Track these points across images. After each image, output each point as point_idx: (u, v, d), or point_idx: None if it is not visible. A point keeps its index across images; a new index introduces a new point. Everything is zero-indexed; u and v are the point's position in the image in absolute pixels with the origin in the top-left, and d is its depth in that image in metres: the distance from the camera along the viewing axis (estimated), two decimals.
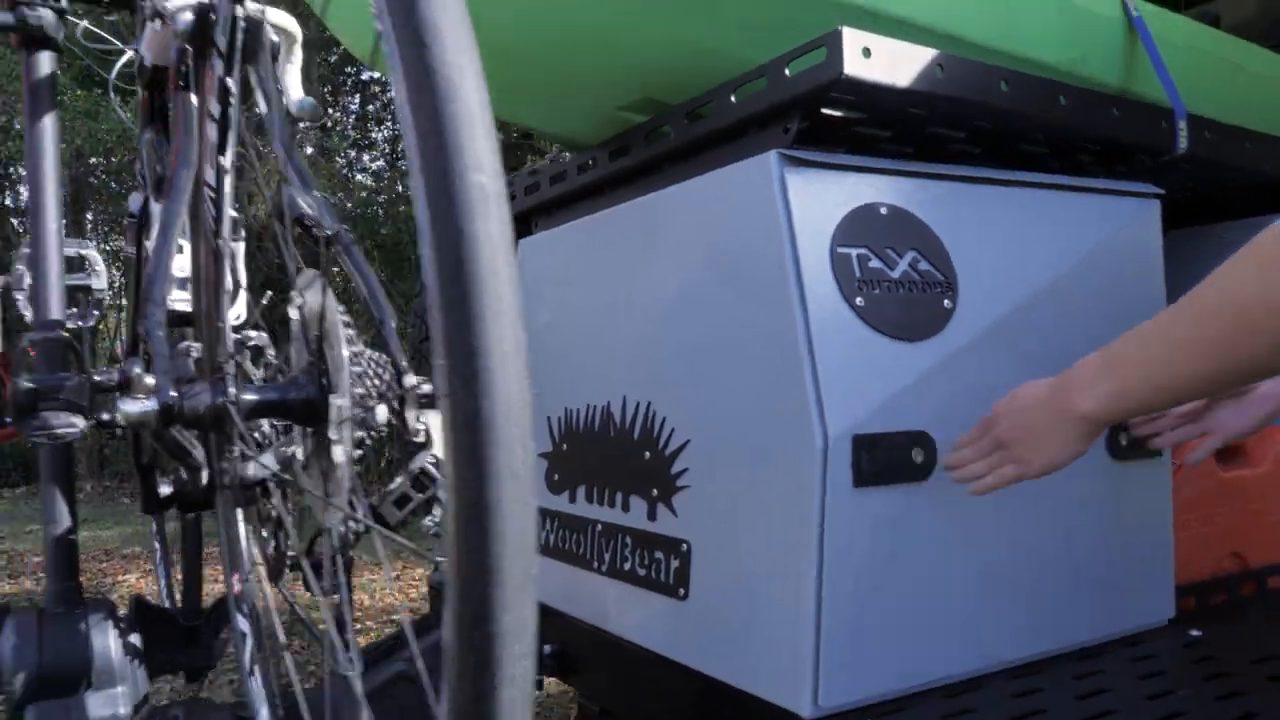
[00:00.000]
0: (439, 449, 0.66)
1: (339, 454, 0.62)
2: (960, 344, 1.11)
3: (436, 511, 0.68)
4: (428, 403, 0.66)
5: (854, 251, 1.07)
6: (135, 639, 1.06)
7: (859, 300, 1.05)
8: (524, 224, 1.69)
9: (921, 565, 1.07)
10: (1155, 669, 1.15)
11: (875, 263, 1.08)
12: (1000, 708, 1.02)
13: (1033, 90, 1.20)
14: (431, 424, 0.67)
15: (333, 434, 0.62)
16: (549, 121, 1.53)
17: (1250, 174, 1.50)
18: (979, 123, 1.21)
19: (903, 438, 1.05)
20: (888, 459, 1.03)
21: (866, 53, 1.04)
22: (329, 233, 0.68)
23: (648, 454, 1.24)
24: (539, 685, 1.64)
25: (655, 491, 1.23)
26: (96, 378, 0.80)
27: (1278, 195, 1.60)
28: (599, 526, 1.34)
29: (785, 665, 1.01)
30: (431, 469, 0.67)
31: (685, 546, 1.17)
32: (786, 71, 1.09)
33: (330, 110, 10.09)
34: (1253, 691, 1.08)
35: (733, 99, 1.17)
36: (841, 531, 1.00)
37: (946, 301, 1.12)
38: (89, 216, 10.00)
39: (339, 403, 0.62)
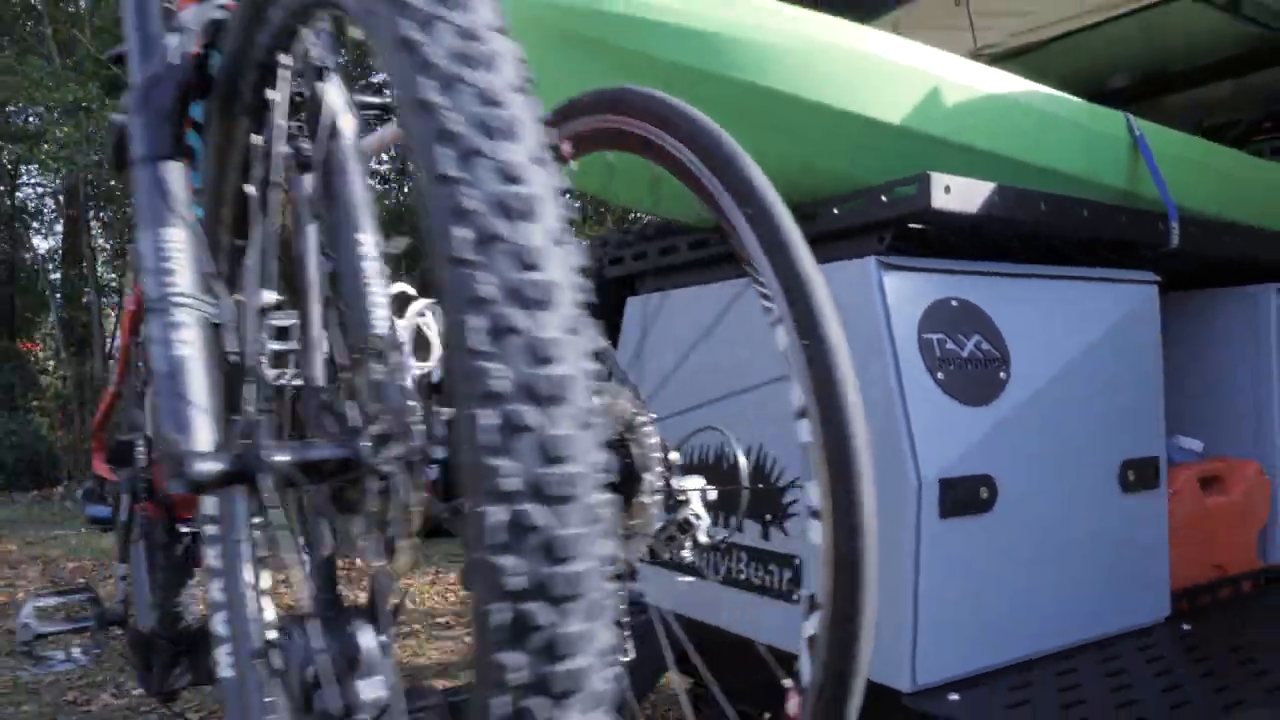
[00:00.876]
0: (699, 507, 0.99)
1: (651, 517, 0.94)
2: (1013, 406, 1.45)
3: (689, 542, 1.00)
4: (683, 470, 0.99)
5: (934, 337, 1.41)
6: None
7: (940, 375, 1.39)
8: (627, 284, 2.01)
9: (988, 576, 1.40)
10: (1158, 655, 1.50)
11: (950, 345, 1.42)
12: (1049, 684, 1.36)
13: (1063, 206, 1.54)
14: (689, 487, 0.99)
15: (646, 498, 0.94)
16: (672, 208, 1.84)
17: (1230, 257, 1.86)
18: (1024, 231, 1.55)
19: (973, 480, 1.38)
20: (964, 496, 1.37)
21: (947, 190, 1.38)
22: None
23: (760, 485, 1.57)
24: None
25: (768, 516, 1.56)
26: None
27: (1252, 271, 1.95)
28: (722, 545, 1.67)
29: (888, 653, 1.34)
30: (692, 519, 0.99)
31: (797, 560, 1.50)
32: (884, 198, 1.43)
33: None
34: (1231, 674, 1.43)
35: (835, 211, 1.51)
36: (931, 551, 1.33)
37: (1002, 374, 1.46)
38: None
39: (650, 479, 0.94)
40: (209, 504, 1.02)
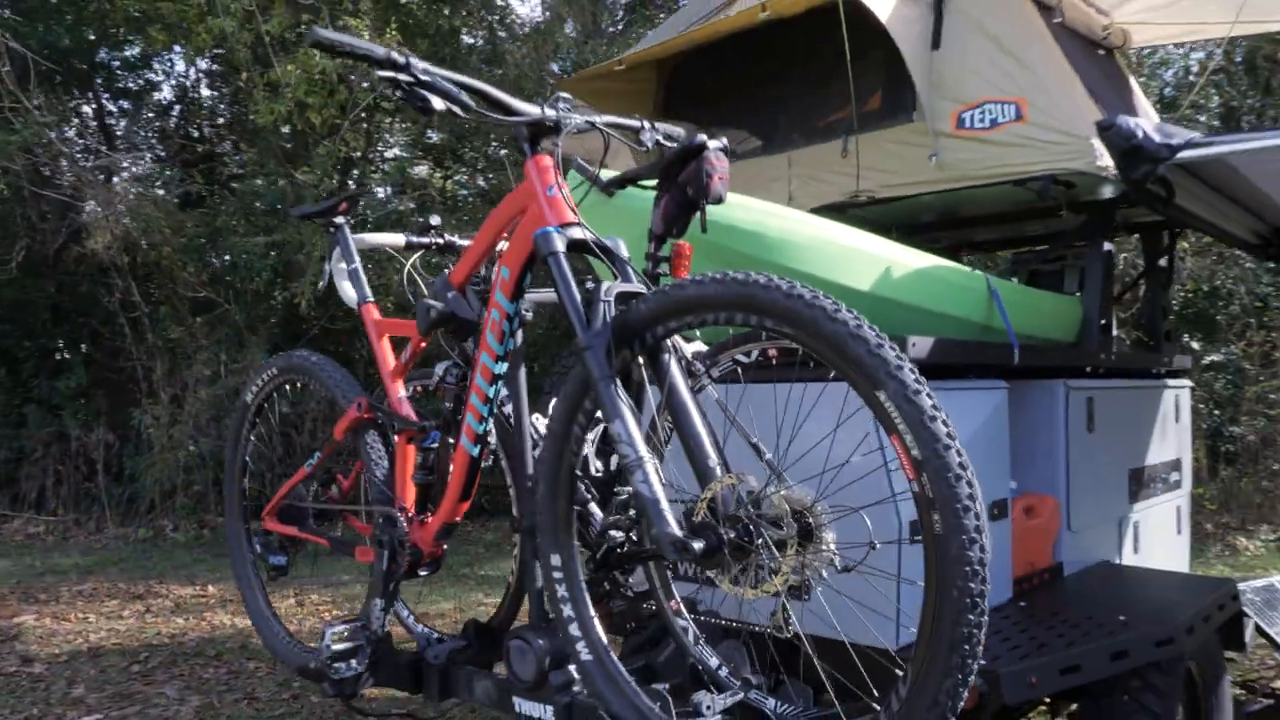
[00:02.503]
0: None
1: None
2: None
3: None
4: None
5: None
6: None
7: None
8: None
9: None
10: (1009, 615, 2.45)
11: None
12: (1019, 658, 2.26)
13: (949, 346, 2.47)
14: None
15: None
16: None
17: (1039, 364, 2.88)
18: (929, 364, 2.46)
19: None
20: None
21: (914, 344, 2.26)
22: None
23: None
24: None
25: None
26: None
27: (1060, 370, 2.99)
28: None
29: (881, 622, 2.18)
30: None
31: None
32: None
33: None
34: (1045, 630, 2.40)
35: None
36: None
37: None
38: None
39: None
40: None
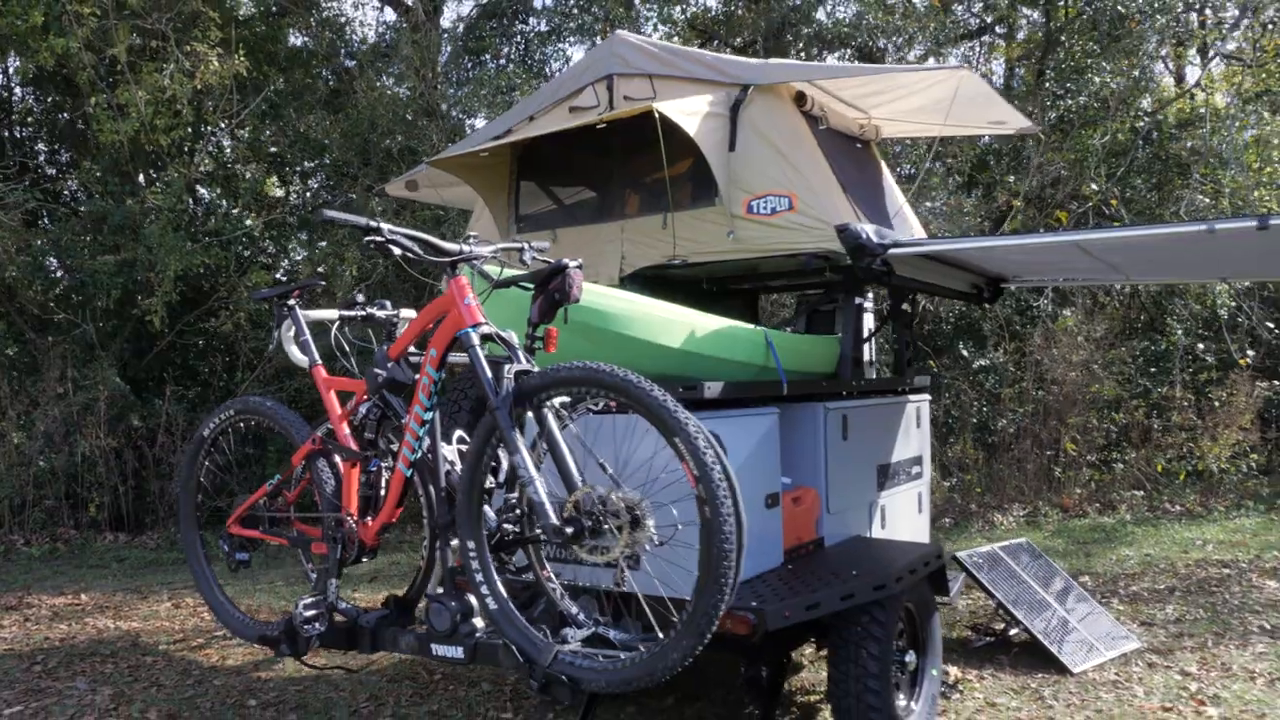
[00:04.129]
0: None
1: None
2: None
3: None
4: None
5: None
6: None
7: None
8: None
9: None
10: (781, 576, 3.48)
11: None
12: (778, 599, 3.26)
13: (734, 385, 3.47)
14: None
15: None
16: None
17: (802, 393, 3.94)
18: (729, 400, 3.45)
19: None
20: None
21: (711, 388, 3.23)
22: None
23: None
24: None
25: None
26: None
27: (811, 396, 4.05)
28: None
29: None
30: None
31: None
32: (681, 389, 3.24)
33: None
34: (800, 582, 3.44)
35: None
36: None
37: None
38: None
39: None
40: None
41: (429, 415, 2.67)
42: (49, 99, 10.37)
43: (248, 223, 9.88)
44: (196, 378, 9.89)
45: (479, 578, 2.54)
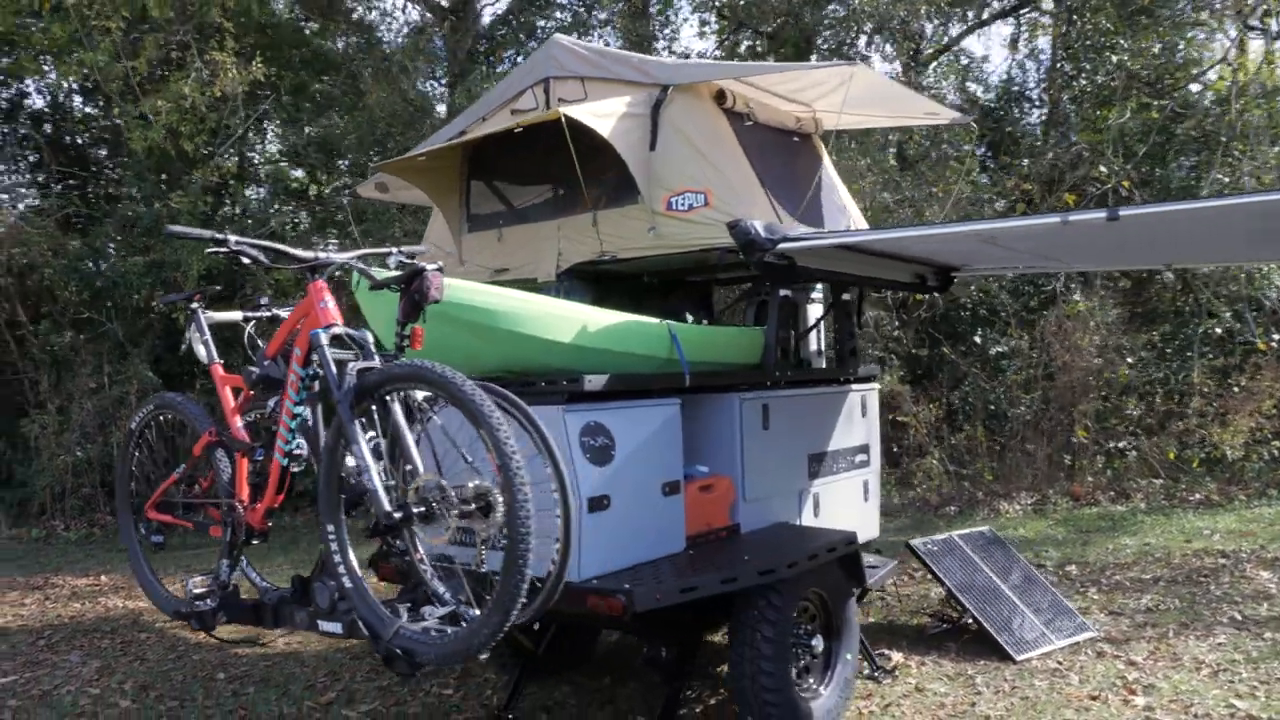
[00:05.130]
0: None
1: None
2: (616, 465, 3.49)
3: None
4: None
5: (585, 438, 3.40)
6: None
7: (586, 453, 3.39)
8: None
9: (609, 534, 3.43)
10: (678, 559, 3.63)
11: (591, 440, 3.42)
12: (656, 582, 3.42)
13: (623, 378, 3.62)
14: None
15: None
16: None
17: (717, 384, 4.07)
18: (625, 390, 3.61)
19: (600, 497, 3.40)
20: (596, 504, 3.38)
21: (591, 381, 3.39)
22: None
23: None
24: None
25: None
26: None
27: (730, 387, 4.18)
28: None
29: (571, 565, 3.32)
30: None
31: None
32: (564, 381, 3.41)
33: None
34: (691, 566, 3.58)
35: (543, 384, 3.46)
36: (583, 525, 3.33)
37: (612, 451, 3.49)
38: None
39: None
40: None
41: (299, 410, 2.89)
42: (84, 108, 10.96)
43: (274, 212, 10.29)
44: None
45: (336, 558, 2.75)
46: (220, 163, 9.89)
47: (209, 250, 2.70)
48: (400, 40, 12.72)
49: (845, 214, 5.02)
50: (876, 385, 5.32)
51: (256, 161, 11.04)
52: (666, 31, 14.49)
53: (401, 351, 2.96)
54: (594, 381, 3.45)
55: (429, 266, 2.89)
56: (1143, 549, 7.46)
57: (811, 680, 3.94)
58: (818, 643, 3.95)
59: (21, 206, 11.31)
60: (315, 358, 2.80)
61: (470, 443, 2.72)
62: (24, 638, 5.55)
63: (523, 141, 4.68)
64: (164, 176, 9.78)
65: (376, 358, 2.77)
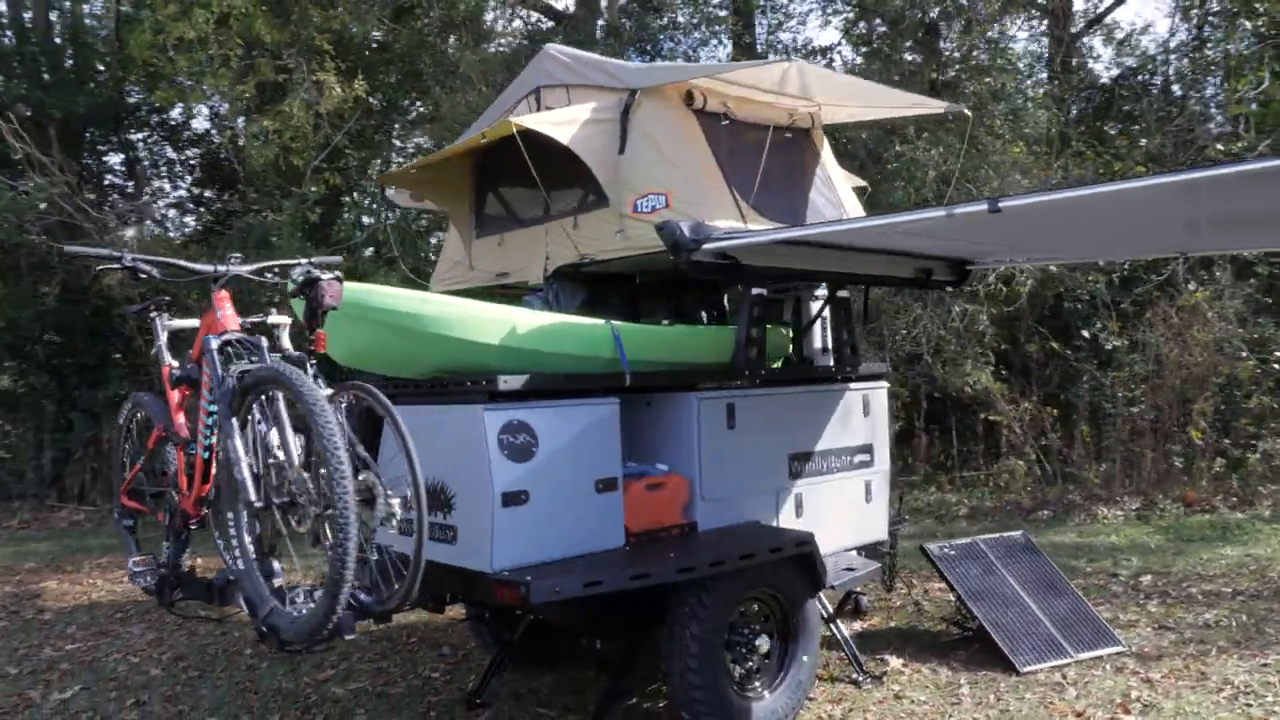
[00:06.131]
0: None
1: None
2: (538, 461, 3.61)
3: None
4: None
5: (505, 436, 3.54)
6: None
7: (505, 450, 3.53)
8: None
9: (526, 529, 3.55)
10: (614, 554, 3.71)
11: (511, 438, 3.55)
12: (574, 576, 3.53)
13: (546, 377, 3.73)
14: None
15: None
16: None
17: (667, 384, 4.11)
18: (549, 390, 3.72)
19: (517, 491, 3.53)
20: (512, 499, 3.51)
21: (508, 380, 3.53)
22: None
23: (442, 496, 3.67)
24: None
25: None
26: None
27: (687, 386, 4.20)
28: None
29: (483, 555, 3.46)
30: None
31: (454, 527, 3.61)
32: (484, 381, 3.56)
33: None
34: (603, 561, 3.64)
35: (469, 383, 3.62)
36: (499, 520, 3.47)
37: (534, 448, 3.61)
38: None
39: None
40: None
41: (213, 408, 3.18)
42: (207, 129, 12.03)
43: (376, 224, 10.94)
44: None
45: (234, 542, 3.02)
46: (328, 177, 10.61)
47: (100, 269, 3.03)
48: (515, 45, 13.17)
49: (840, 209, 4.92)
50: (884, 384, 5.18)
51: (370, 172, 11.73)
52: (768, 22, 14.20)
53: (312, 355, 3.19)
54: (510, 381, 3.58)
55: (324, 276, 3.11)
56: (1240, 561, 6.86)
57: (756, 682, 3.92)
58: (763, 643, 3.93)
59: (165, 221, 12.59)
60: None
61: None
62: (105, 611, 6.22)
63: (517, 149, 4.86)
64: (279, 191, 10.58)
65: (268, 360, 3.02)
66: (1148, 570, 6.70)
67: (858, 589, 5.82)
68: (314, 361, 3.24)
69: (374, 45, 11.38)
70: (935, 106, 5.18)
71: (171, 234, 11.23)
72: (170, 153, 13.48)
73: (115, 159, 12.31)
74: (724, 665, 3.76)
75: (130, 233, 10.06)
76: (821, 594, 4.82)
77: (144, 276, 3.09)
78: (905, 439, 10.51)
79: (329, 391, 2.88)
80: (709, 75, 4.54)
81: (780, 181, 4.69)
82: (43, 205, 9.21)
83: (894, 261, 4.79)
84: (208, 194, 13.08)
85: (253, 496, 2.81)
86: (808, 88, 4.62)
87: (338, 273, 3.16)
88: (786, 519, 4.55)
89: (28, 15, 12.35)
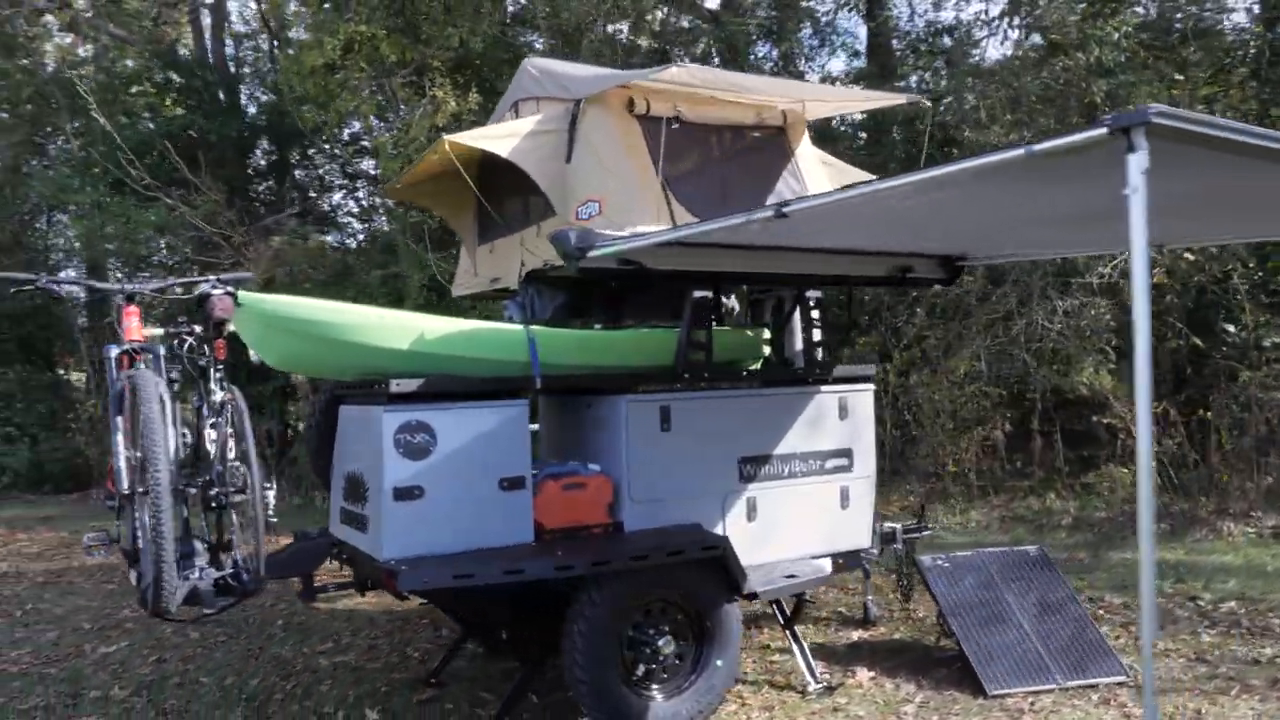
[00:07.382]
0: None
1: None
2: (435, 459, 3.84)
3: None
4: None
5: (403, 435, 3.79)
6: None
7: (401, 449, 3.78)
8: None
9: (420, 521, 3.78)
10: (521, 550, 3.88)
11: (408, 437, 3.80)
12: (447, 569, 3.76)
13: (445, 379, 3.93)
14: None
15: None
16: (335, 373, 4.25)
17: (589, 386, 4.22)
18: (454, 394, 3.94)
19: (410, 487, 3.77)
20: (405, 494, 3.75)
21: (399, 384, 3.78)
22: None
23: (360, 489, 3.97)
24: None
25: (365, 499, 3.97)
26: None
27: (616, 388, 4.29)
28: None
29: (379, 545, 3.74)
30: None
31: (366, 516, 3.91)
32: (392, 385, 3.82)
33: None
34: (502, 555, 3.80)
35: (379, 385, 3.91)
36: (389, 514, 3.73)
37: (431, 447, 3.84)
38: None
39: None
40: None
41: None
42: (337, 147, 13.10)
43: None
44: None
45: (168, 534, 3.46)
46: None
47: (14, 290, 3.55)
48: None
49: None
50: (868, 386, 5.00)
51: None
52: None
53: (217, 363, 3.59)
54: (404, 384, 3.82)
55: (214, 292, 3.49)
56: None
57: (659, 682, 3.96)
58: (666, 644, 3.96)
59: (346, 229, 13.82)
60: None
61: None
62: None
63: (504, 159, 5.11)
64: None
65: (160, 366, 3.44)
66: (1239, 596, 6.03)
67: (869, 598, 5.67)
68: (220, 367, 3.65)
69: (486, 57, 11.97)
70: (892, 99, 4.93)
71: (347, 241, 12.37)
72: (337, 167, 14.78)
73: (267, 180, 13.74)
74: (614, 662, 3.83)
75: (276, 242, 11.17)
76: (782, 599, 4.78)
77: (56, 296, 3.61)
78: (1022, 443, 9.90)
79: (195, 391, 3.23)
80: (631, 81, 4.56)
81: (743, 181, 4.66)
82: (197, 220, 10.47)
83: (860, 261, 4.64)
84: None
85: (124, 483, 3.23)
86: (789, 87, 4.53)
87: (229, 288, 3.53)
88: (735, 523, 4.51)
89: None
